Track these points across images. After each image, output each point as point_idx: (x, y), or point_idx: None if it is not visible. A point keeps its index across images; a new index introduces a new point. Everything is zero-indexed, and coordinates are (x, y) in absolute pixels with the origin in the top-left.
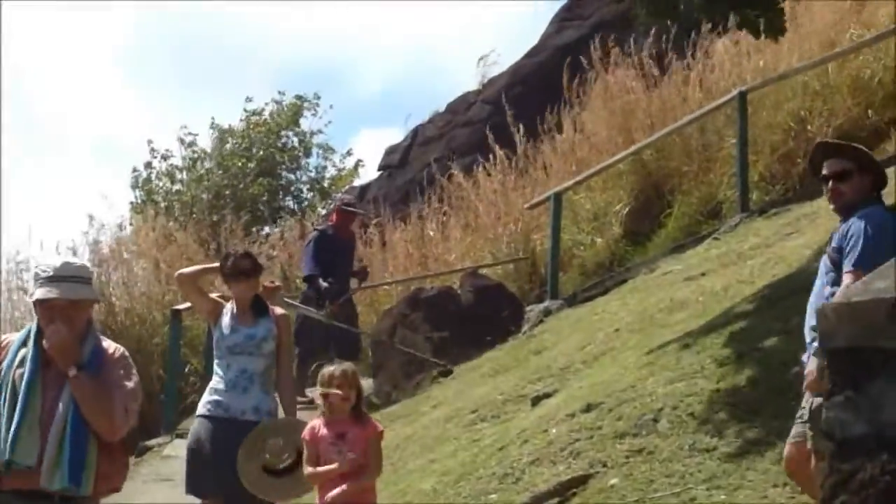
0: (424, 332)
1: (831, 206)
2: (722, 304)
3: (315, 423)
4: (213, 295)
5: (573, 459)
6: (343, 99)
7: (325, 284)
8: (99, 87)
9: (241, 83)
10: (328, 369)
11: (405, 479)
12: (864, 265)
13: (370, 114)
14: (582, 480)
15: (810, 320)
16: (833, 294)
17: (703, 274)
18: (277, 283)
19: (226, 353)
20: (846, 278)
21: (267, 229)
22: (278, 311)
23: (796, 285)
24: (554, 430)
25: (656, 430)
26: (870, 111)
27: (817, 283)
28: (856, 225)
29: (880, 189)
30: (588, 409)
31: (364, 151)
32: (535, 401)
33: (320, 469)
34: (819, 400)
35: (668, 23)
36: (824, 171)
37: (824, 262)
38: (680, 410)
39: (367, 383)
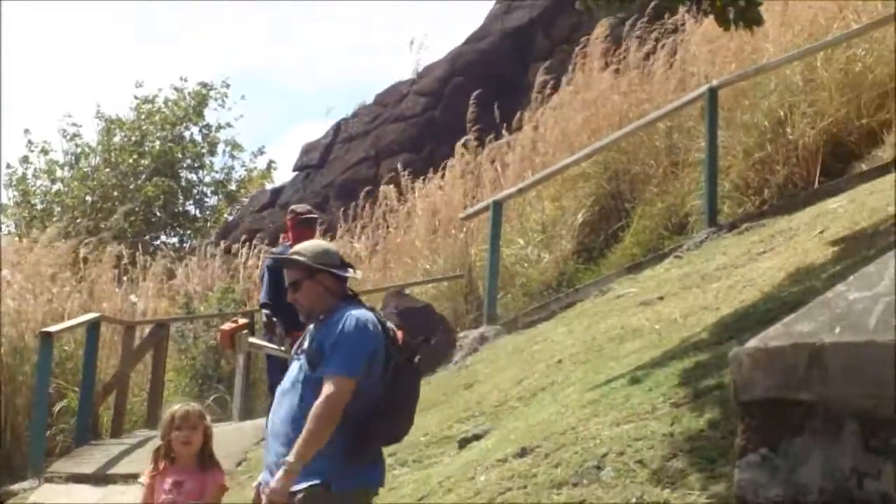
0: None
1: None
2: (680, 334)
3: (158, 467)
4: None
5: None
6: (271, 93)
7: (265, 313)
8: None
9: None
10: (171, 409)
11: None
12: (350, 370)
13: (302, 109)
14: None
15: (281, 428)
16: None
17: (660, 298)
18: (243, 321)
19: None
20: (327, 385)
21: (163, 237)
22: None
23: (766, 314)
24: (482, 478)
25: (599, 480)
26: (861, 110)
27: (287, 382)
28: (335, 327)
29: (345, 281)
30: (522, 453)
31: (294, 150)
32: (463, 443)
33: None
34: None
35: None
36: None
37: (302, 363)
38: (627, 457)
39: None
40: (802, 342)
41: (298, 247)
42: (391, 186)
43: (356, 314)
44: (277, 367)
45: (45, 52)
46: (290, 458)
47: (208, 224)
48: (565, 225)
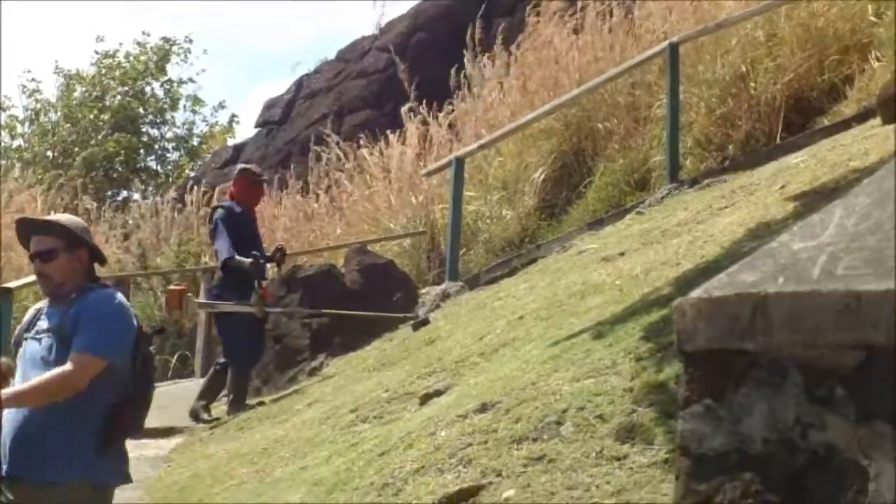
0: (301, 318)
1: (43, 291)
2: (641, 289)
3: None
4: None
5: (463, 467)
6: (236, 51)
7: (247, 261)
8: None
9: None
10: None
11: (271, 490)
12: (104, 351)
13: (266, 66)
14: (472, 492)
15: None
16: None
17: (621, 253)
18: (181, 286)
19: None
20: (73, 359)
21: (125, 193)
22: None
23: (726, 269)
24: (443, 434)
25: (559, 435)
26: (823, 65)
27: (28, 366)
28: (93, 306)
29: (101, 263)
30: (483, 409)
31: (258, 107)
32: (424, 399)
33: None
34: None
35: None
36: (31, 250)
37: (52, 344)
38: (587, 412)
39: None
40: (746, 292)
41: (58, 216)
42: (350, 143)
43: (116, 295)
44: (236, 323)
45: (3, 7)
46: (6, 393)
47: (170, 180)
48: (527, 181)
